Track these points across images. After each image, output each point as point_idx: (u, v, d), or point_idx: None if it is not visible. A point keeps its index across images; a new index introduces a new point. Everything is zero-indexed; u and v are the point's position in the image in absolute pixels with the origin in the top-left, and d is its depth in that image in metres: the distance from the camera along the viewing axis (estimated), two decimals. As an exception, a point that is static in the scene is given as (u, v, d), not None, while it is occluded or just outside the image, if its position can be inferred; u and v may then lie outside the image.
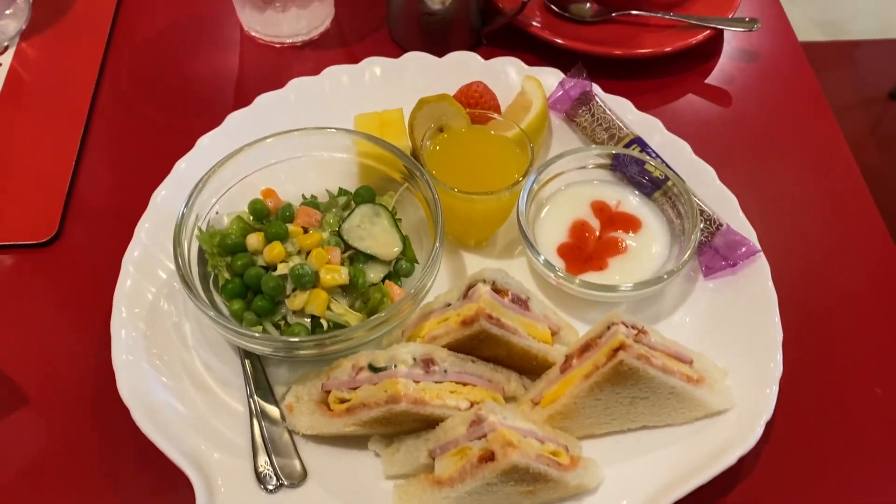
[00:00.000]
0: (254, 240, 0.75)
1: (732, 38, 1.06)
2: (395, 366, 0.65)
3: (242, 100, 0.92)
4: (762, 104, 1.00)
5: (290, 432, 0.70)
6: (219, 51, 1.02)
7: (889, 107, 2.50)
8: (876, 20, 2.76)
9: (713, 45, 1.05)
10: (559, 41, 0.99)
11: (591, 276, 0.77)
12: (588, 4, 1.04)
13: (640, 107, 0.92)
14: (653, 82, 1.01)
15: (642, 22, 1.04)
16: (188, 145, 0.86)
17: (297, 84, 0.92)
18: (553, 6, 1.04)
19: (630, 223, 0.81)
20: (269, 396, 0.72)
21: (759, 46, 1.06)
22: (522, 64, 0.96)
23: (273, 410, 0.71)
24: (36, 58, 1.00)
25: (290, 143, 0.80)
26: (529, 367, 0.72)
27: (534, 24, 1.00)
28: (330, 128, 0.80)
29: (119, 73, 0.99)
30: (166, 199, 0.82)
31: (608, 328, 0.68)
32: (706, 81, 1.02)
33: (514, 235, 0.81)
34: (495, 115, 0.84)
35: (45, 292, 0.82)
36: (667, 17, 1.02)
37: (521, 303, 0.71)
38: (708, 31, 1.00)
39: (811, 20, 2.74)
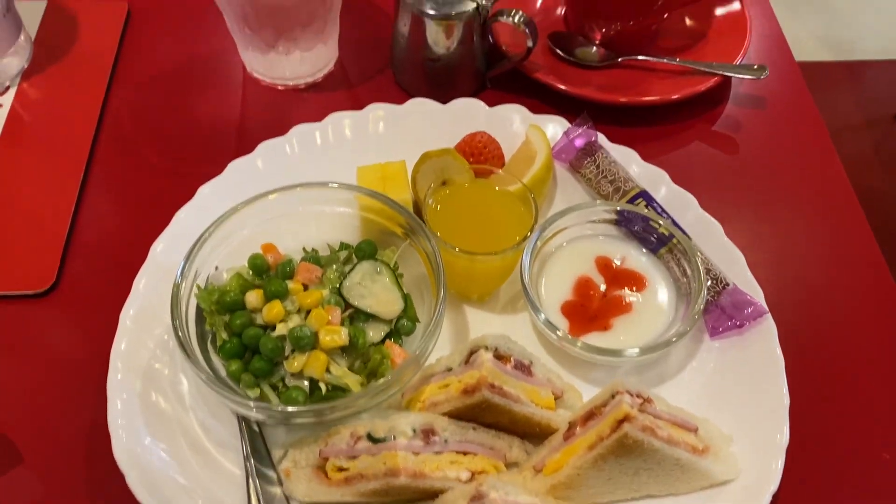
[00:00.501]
0: (253, 297, 0.74)
1: (740, 84, 1.05)
2: (395, 437, 0.64)
3: (244, 145, 0.91)
4: (770, 153, 0.99)
5: (287, 498, 0.69)
6: (221, 93, 1.01)
7: (894, 129, 2.50)
8: (883, 40, 2.75)
9: (720, 90, 1.03)
10: (564, 87, 0.98)
11: (596, 338, 0.76)
12: (594, 49, 1.03)
13: (646, 156, 0.91)
14: (658, 129, 1.00)
15: (649, 67, 1.03)
16: (189, 192, 0.86)
17: (299, 130, 0.91)
18: (558, 50, 1.03)
19: (635, 281, 0.80)
20: (267, 459, 0.71)
21: (767, 92, 1.05)
22: (527, 112, 0.95)
23: (270, 474, 0.70)
24: (37, 99, 0.99)
25: (291, 197, 0.79)
26: (532, 432, 0.71)
27: (538, 69, 0.99)
28: (332, 183, 0.79)
29: (120, 114, 0.98)
30: (165, 251, 0.81)
31: (612, 397, 0.67)
32: (713, 129, 1.01)
33: (518, 289, 0.80)
34: (498, 171, 0.82)
35: (40, 345, 0.80)
36: (673, 62, 1.01)
37: (524, 368, 0.70)
38: (716, 79, 0.99)
39: (818, 39, 2.73)
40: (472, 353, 0.69)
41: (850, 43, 2.74)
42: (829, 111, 0.98)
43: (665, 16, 1.01)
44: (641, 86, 1.00)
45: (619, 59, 1.03)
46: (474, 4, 0.92)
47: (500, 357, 0.69)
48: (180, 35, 1.07)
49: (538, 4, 1.10)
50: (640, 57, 1.03)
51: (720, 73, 0.99)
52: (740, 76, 1.00)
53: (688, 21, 1.08)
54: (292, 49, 0.96)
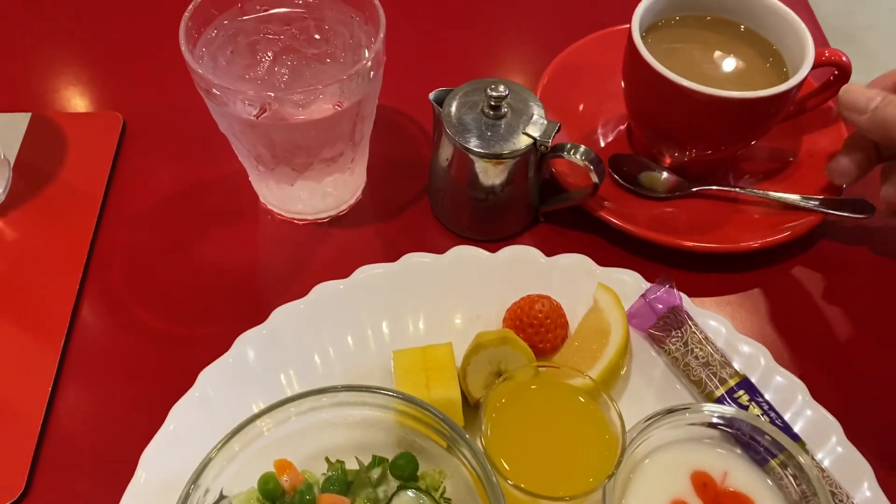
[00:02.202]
0: (265, 542, 0.58)
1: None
2: None
3: (255, 306, 0.77)
4: (893, 314, 0.82)
5: None
6: (229, 230, 0.86)
7: None
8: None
9: (822, 228, 0.87)
10: (633, 230, 0.82)
11: None
12: (664, 175, 0.88)
13: (737, 322, 0.75)
14: (740, 279, 0.84)
15: (729, 198, 0.87)
16: (189, 374, 0.70)
17: (321, 292, 0.76)
18: (617, 177, 0.88)
19: (742, 507, 0.64)
20: None
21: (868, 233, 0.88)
22: (592, 263, 0.79)
23: None
24: (13, 241, 0.85)
25: (314, 403, 0.64)
26: None
27: (598, 202, 0.84)
28: (362, 388, 0.64)
29: (111, 262, 0.83)
30: (156, 464, 0.66)
31: None
32: (810, 279, 0.85)
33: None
34: (564, 367, 0.67)
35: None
36: (755, 194, 0.86)
37: None
38: (811, 217, 0.84)
39: None
40: None
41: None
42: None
43: (753, 142, 0.85)
44: (726, 226, 0.85)
45: (693, 189, 0.87)
46: (530, 140, 0.77)
47: None
48: (183, 157, 0.93)
49: (599, 127, 0.95)
50: (715, 187, 0.87)
51: (820, 210, 0.84)
52: (841, 214, 0.84)
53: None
54: (314, 185, 0.82)
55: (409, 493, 0.61)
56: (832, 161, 0.83)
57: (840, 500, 0.64)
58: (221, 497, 0.62)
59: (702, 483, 0.65)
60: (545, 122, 0.78)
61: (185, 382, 0.70)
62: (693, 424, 0.67)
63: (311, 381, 0.69)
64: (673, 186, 0.88)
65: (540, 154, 0.79)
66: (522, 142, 0.77)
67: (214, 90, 0.70)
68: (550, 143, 0.78)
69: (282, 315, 0.74)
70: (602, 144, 0.93)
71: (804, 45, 0.79)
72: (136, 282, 0.82)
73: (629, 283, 0.78)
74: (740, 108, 0.77)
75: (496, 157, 0.77)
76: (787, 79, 0.78)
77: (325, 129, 0.73)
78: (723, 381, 0.70)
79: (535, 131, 0.77)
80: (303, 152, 0.75)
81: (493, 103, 0.77)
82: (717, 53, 0.85)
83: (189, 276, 0.83)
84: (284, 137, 0.73)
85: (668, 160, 0.88)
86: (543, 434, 0.63)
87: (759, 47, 0.85)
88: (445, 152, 0.80)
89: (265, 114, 0.72)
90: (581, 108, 0.95)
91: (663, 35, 0.86)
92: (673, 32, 0.86)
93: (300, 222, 0.87)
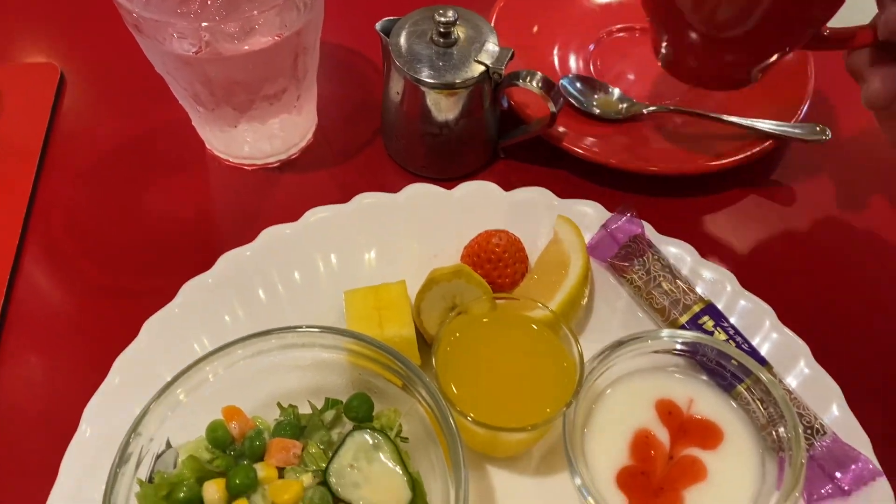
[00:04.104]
0: (213, 491, 0.55)
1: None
2: None
3: (202, 255, 0.73)
4: (865, 248, 0.79)
5: None
6: (175, 179, 0.82)
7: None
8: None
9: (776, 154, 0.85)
10: (593, 157, 0.79)
11: (664, 521, 0.58)
12: (615, 94, 0.85)
13: (703, 249, 0.73)
14: (705, 202, 0.81)
15: (689, 122, 0.84)
16: (133, 327, 0.67)
17: (269, 236, 0.73)
18: (573, 101, 0.84)
19: (708, 434, 0.62)
20: None
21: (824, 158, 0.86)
22: (552, 196, 0.76)
23: None
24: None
25: (262, 346, 0.61)
26: None
27: (559, 132, 0.81)
28: (312, 328, 0.61)
29: (51, 215, 0.79)
30: (101, 417, 0.63)
31: None
32: (772, 203, 0.83)
33: (558, 436, 0.62)
34: (522, 298, 0.64)
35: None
36: (715, 117, 0.83)
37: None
38: (768, 143, 0.81)
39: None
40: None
41: None
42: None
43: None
44: (685, 149, 0.82)
45: (652, 109, 0.84)
46: (483, 68, 0.73)
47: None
48: (124, 107, 0.88)
49: (556, 53, 0.91)
50: (671, 107, 0.84)
51: (778, 132, 0.81)
52: (800, 137, 0.81)
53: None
54: (259, 126, 0.78)
55: (364, 433, 0.58)
56: (866, 83, 0.64)
57: (808, 422, 0.63)
58: (168, 447, 0.60)
59: (667, 411, 0.63)
60: (498, 48, 0.75)
61: (130, 335, 0.67)
62: (657, 353, 0.65)
63: (261, 327, 0.66)
64: (629, 108, 0.85)
65: (494, 83, 0.76)
66: (475, 70, 0.73)
67: (143, 24, 0.66)
68: (504, 70, 0.74)
69: (229, 261, 0.71)
70: (559, 71, 0.89)
71: None
72: (79, 235, 0.78)
73: (590, 215, 0.75)
74: None
75: (448, 87, 0.73)
76: None
77: (264, 61, 0.69)
78: (687, 308, 0.68)
79: (487, 59, 0.74)
80: (242, 89, 0.71)
81: (441, 30, 0.73)
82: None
83: (134, 228, 0.79)
84: (222, 73, 0.69)
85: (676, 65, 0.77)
86: (500, 367, 0.61)
87: None
88: (396, 86, 0.77)
89: (201, 53, 0.68)
90: (536, 30, 0.91)
91: None
92: None
93: (249, 168, 0.83)
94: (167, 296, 0.69)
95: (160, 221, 0.79)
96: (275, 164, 0.83)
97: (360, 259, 0.73)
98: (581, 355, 0.59)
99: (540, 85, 0.74)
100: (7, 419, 0.67)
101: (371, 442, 0.58)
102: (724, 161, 0.79)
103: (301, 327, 0.61)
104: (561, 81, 0.86)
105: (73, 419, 0.63)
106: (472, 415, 0.57)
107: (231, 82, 0.70)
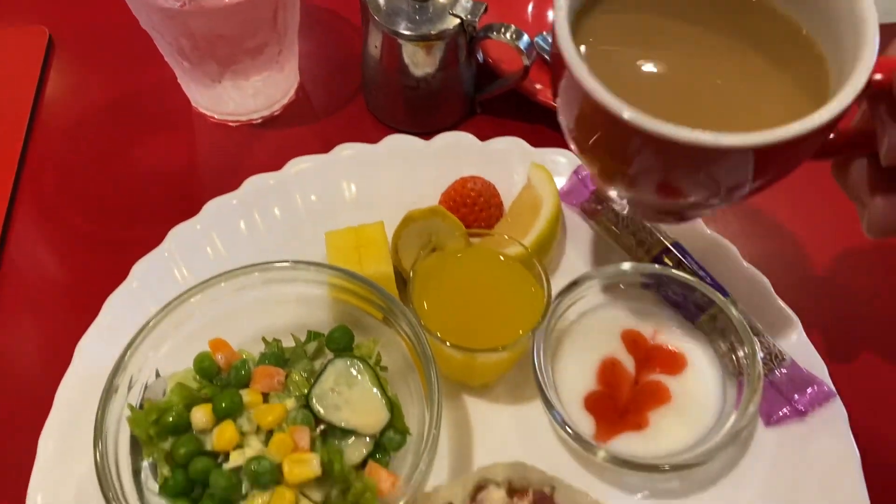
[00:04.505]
0: (200, 415, 0.58)
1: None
2: None
3: (188, 203, 0.76)
4: (828, 189, 0.82)
5: None
6: (161, 135, 0.85)
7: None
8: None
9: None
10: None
11: (630, 440, 0.62)
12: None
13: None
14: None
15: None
16: (122, 270, 0.70)
17: (253, 184, 0.76)
18: (547, 58, 0.87)
19: (672, 361, 0.66)
20: None
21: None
22: (526, 145, 0.79)
23: None
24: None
25: (246, 281, 0.64)
26: (558, 573, 0.57)
27: (535, 86, 0.84)
28: (295, 262, 0.64)
29: (42, 170, 0.82)
30: (93, 353, 0.66)
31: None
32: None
33: (529, 370, 0.65)
34: (495, 233, 0.67)
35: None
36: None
37: (545, 500, 0.55)
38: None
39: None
40: (478, 488, 0.54)
41: None
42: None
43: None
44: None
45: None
46: (457, 21, 0.76)
47: (514, 491, 0.54)
48: (112, 67, 0.91)
49: (530, 9, 0.94)
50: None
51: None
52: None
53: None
54: (242, 82, 0.80)
55: (345, 360, 0.61)
56: (867, 210, 0.51)
57: (767, 349, 0.66)
58: (157, 376, 0.63)
59: (632, 340, 0.67)
60: (472, 2, 0.77)
61: (120, 279, 0.70)
62: (623, 287, 0.68)
63: (246, 267, 0.69)
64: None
65: (469, 36, 0.78)
66: (450, 22, 0.76)
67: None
68: (478, 23, 0.77)
69: (213, 207, 0.74)
70: (533, 27, 0.92)
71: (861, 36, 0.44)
72: (69, 190, 0.81)
73: (563, 164, 0.78)
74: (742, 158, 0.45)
75: (424, 39, 0.76)
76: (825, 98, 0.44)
77: (245, 13, 0.72)
78: (654, 246, 0.71)
79: (462, 11, 0.76)
80: (224, 42, 0.74)
81: (417, -16, 0.76)
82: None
83: (123, 182, 0.82)
84: (205, 26, 0.72)
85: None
86: (474, 296, 0.64)
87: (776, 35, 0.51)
88: (374, 40, 0.79)
89: (185, 7, 0.71)
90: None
91: (609, 23, 0.51)
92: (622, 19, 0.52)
93: (234, 124, 0.86)
94: (156, 243, 0.72)
95: (148, 175, 0.82)
96: (258, 121, 0.86)
97: (340, 204, 0.76)
98: (549, 283, 0.62)
99: (513, 37, 0.77)
100: (5, 359, 0.70)
101: (351, 368, 0.61)
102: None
103: (284, 261, 0.64)
104: (536, 39, 0.88)
105: (67, 356, 0.66)
106: (449, 341, 0.59)
107: (214, 35, 0.73)
